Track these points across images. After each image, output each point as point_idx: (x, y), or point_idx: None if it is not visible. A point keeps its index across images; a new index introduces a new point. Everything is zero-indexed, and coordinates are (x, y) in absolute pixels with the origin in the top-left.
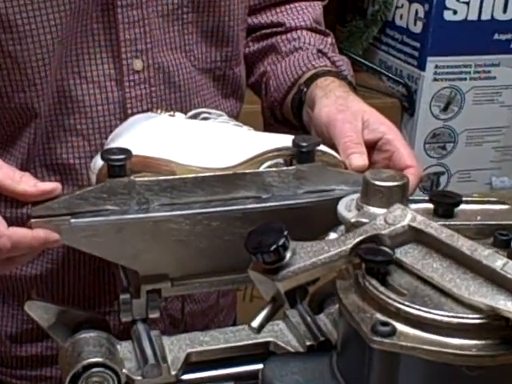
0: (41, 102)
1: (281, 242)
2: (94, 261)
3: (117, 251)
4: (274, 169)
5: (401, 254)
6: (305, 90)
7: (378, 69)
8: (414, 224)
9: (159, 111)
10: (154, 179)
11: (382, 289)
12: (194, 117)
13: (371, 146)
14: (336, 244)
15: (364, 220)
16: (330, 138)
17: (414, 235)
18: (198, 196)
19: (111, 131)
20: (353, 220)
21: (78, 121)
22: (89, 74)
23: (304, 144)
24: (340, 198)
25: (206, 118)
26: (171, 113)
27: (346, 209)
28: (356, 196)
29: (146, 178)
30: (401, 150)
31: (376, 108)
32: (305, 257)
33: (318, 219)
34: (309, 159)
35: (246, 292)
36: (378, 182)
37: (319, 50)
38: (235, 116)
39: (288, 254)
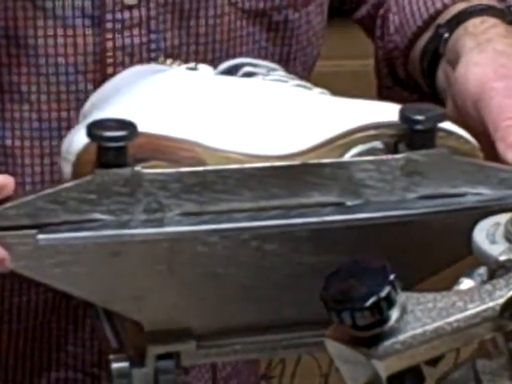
0: None
1: (384, 292)
2: (60, 303)
3: (107, 289)
4: (368, 158)
5: None
6: (446, 35)
7: None
8: None
9: (168, 62)
10: (172, 171)
11: None
12: (230, 71)
13: None
14: (477, 298)
15: None
16: (478, 115)
17: None
18: (243, 201)
19: (78, 99)
20: (502, 258)
21: (22, 78)
22: (49, 3)
23: (419, 118)
24: (476, 208)
25: (250, 74)
26: (191, 65)
27: (488, 239)
28: (504, 218)
29: (159, 170)
30: None
31: None
32: (423, 318)
33: (441, 245)
34: (426, 143)
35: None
36: None
37: None
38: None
39: (394, 314)
